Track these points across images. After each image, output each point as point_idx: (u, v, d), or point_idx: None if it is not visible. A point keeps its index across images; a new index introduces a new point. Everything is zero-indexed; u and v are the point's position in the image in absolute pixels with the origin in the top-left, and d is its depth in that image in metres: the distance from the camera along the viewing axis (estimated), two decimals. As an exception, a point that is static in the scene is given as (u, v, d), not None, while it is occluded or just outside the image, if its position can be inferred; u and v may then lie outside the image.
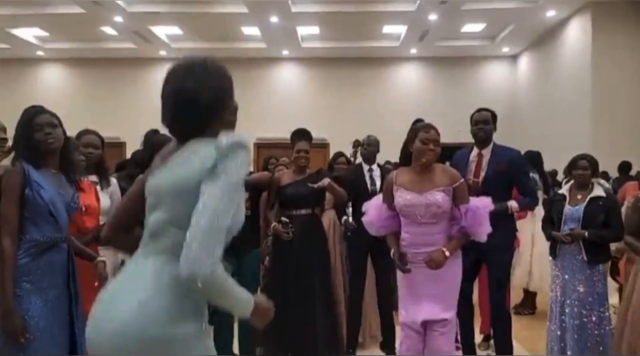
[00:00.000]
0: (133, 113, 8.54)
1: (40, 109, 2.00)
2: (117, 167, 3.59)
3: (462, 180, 2.36)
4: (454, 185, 2.30)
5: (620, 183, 4.67)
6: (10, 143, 2.24)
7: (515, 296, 4.68)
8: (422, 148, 2.26)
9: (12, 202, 1.82)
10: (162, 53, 9.13)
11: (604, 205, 3.08)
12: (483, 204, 2.33)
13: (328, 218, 3.54)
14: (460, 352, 2.87)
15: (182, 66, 1.23)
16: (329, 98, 9.34)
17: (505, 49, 9.02)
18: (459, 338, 3.12)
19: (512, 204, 2.78)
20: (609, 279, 3.25)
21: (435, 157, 2.31)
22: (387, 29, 8.09)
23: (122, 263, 2.37)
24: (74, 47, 9.02)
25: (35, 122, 1.93)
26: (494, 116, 2.96)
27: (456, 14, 7.18)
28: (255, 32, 8.21)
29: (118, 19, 7.52)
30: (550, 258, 3.33)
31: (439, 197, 2.24)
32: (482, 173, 2.85)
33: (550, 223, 3.28)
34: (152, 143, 2.58)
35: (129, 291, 1.15)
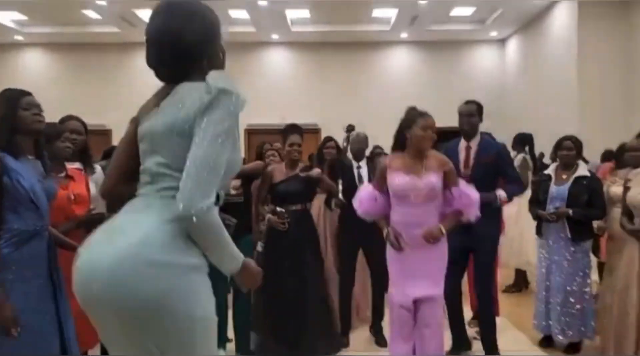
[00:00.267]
0: (118, 100, 8.40)
1: (26, 91, 1.97)
2: (105, 154, 3.56)
3: (451, 164, 2.48)
4: (445, 169, 2.42)
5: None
6: None
7: (507, 277, 4.81)
8: (423, 135, 2.38)
9: None
10: (148, 37, 8.99)
11: (588, 184, 3.17)
12: (473, 192, 2.46)
13: (319, 202, 3.57)
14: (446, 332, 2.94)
15: (167, 5, 1.20)
16: (319, 83, 9.29)
17: (494, 33, 9.04)
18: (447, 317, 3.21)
19: (501, 194, 2.86)
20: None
21: (432, 143, 2.45)
22: (377, 12, 8.04)
23: None
24: (54, 32, 8.79)
25: (24, 101, 1.88)
26: (479, 108, 3.04)
27: (445, -3, 7.18)
28: (243, 16, 8.10)
29: (101, 2, 7.34)
30: (537, 236, 3.43)
31: (433, 179, 2.37)
32: (471, 164, 2.95)
33: (537, 203, 3.37)
34: None
35: (131, 227, 1.12)
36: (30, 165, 1.91)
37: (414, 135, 2.40)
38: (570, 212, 3.12)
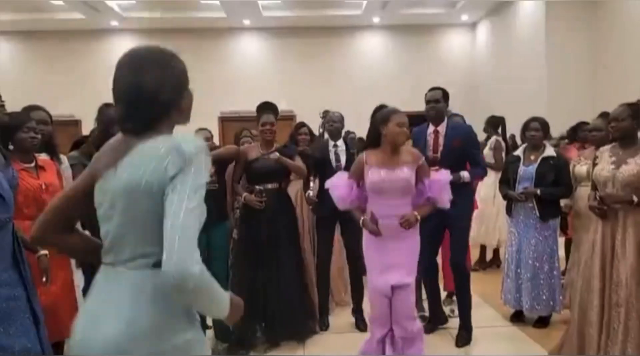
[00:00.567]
0: (86, 89, 8.15)
1: None
2: (74, 144, 3.47)
3: (423, 158, 2.60)
4: (418, 163, 2.54)
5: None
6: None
7: (474, 256, 4.95)
8: (398, 131, 2.47)
9: None
10: (114, 23, 8.68)
11: (555, 164, 3.27)
12: (442, 176, 2.59)
13: (296, 188, 3.58)
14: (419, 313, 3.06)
15: (138, 59, 1.15)
16: (292, 69, 9.22)
17: (465, 17, 9.13)
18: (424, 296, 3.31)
19: (464, 174, 3.02)
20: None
21: (407, 139, 2.55)
22: (349, -4, 8.03)
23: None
24: (18, 19, 8.44)
25: None
26: (445, 94, 3.13)
27: (416, -19, 7.19)
28: (213, 2, 7.95)
29: (65, -13, 7.09)
30: (507, 215, 3.54)
31: (407, 174, 2.48)
32: (440, 148, 3.06)
33: (507, 184, 3.46)
34: (106, 118, 2.52)
35: (111, 309, 1.09)
36: None
37: (390, 131, 2.48)
38: (538, 191, 3.23)
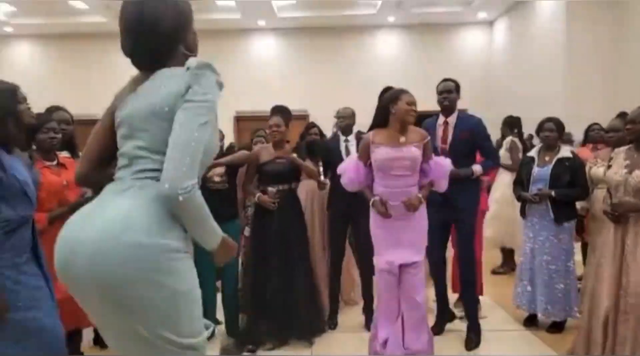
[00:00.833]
0: (107, 89, 8.29)
1: (16, 84, 1.97)
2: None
3: (429, 137, 2.61)
4: (423, 142, 2.56)
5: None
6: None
7: (494, 258, 4.90)
8: (408, 110, 2.50)
9: None
10: (134, 26, 8.89)
11: (570, 165, 3.21)
12: (444, 161, 2.63)
13: (305, 190, 3.60)
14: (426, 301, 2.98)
15: None
16: (307, 69, 9.25)
17: (482, 15, 9.01)
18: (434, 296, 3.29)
19: (476, 168, 3.00)
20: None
21: (415, 118, 2.57)
22: (364, -4, 8.01)
23: None
24: (43, 23, 8.69)
25: (20, 95, 1.92)
26: (457, 86, 3.14)
27: (432, -20, 7.13)
28: (229, 3, 8.03)
29: (86, -9, 7.26)
30: (521, 217, 3.48)
31: (414, 150, 2.50)
32: (449, 140, 3.05)
33: (520, 185, 3.41)
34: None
35: (110, 206, 1.14)
36: (20, 158, 1.96)
37: (399, 109, 2.50)
38: (553, 193, 3.17)
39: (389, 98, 2.55)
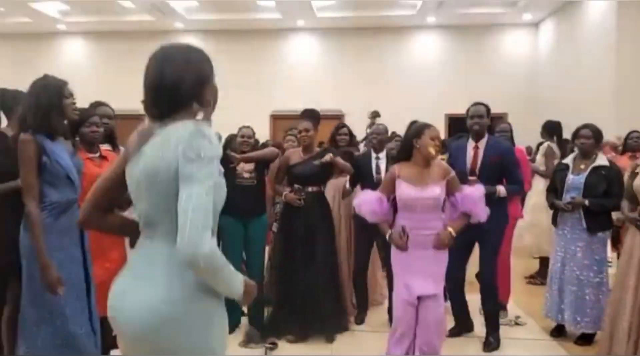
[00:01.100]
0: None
1: (64, 80, 2.15)
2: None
3: (453, 172, 2.59)
4: (447, 178, 2.54)
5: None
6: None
7: (530, 266, 4.78)
8: (431, 144, 2.50)
9: (30, 171, 1.99)
10: (179, 25, 9.18)
11: (607, 174, 3.10)
12: (476, 190, 2.59)
13: (333, 190, 3.66)
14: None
15: (163, 53, 1.27)
16: (344, 69, 9.28)
17: (527, 17, 8.74)
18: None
19: (500, 189, 3.01)
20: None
21: (438, 152, 2.59)
22: (404, -4, 7.95)
23: None
24: (93, 21, 9.17)
25: (66, 90, 2.09)
26: (487, 109, 3.14)
27: (475, -20, 6.98)
28: (269, 3, 8.18)
29: (135, -9, 7.60)
30: (553, 226, 3.40)
31: (437, 191, 2.50)
32: (479, 164, 3.06)
33: (554, 192, 3.33)
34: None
35: (147, 278, 1.22)
36: (63, 145, 2.15)
37: (423, 144, 2.51)
38: (587, 202, 3.08)
39: (413, 133, 2.58)
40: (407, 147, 2.60)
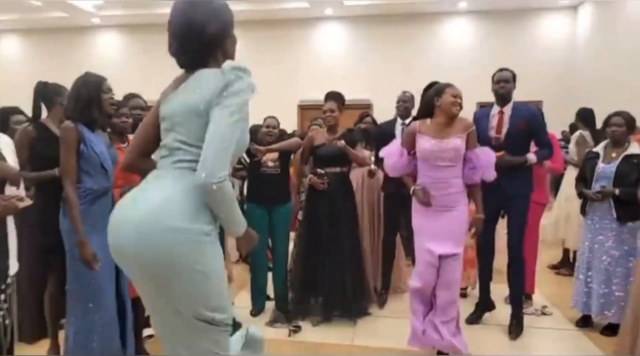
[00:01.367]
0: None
1: (104, 76, 2.30)
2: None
3: (474, 127, 2.62)
4: (467, 132, 2.57)
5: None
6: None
7: (555, 256, 4.70)
8: (453, 102, 2.54)
9: (71, 155, 2.15)
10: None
11: (639, 163, 3.01)
12: (488, 150, 2.63)
13: (356, 178, 3.70)
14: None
15: (188, 2, 1.37)
16: (372, 58, 9.22)
17: (565, 0, 8.43)
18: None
19: (530, 156, 2.99)
20: None
21: (460, 110, 2.60)
22: (433, -19, 7.82)
23: None
24: (126, 14, 9.44)
25: (105, 85, 2.25)
26: (514, 76, 3.09)
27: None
28: (298, -8, 8.21)
29: (166, -16, 7.76)
30: (581, 215, 3.33)
31: (457, 142, 2.53)
32: (504, 130, 3.00)
33: (583, 181, 3.26)
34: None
35: (152, 191, 1.31)
36: (101, 136, 2.31)
37: (444, 101, 2.55)
38: (617, 191, 3.00)
39: (435, 91, 2.61)
40: (428, 105, 2.63)
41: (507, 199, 2.95)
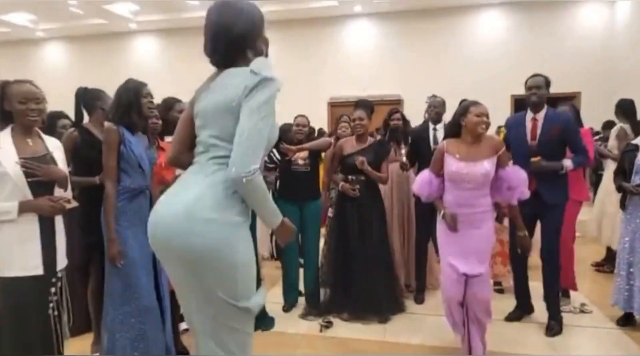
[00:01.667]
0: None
1: (144, 82, 2.42)
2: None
3: (504, 147, 2.56)
4: (498, 154, 2.51)
5: None
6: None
7: (599, 253, 4.55)
8: (478, 121, 2.49)
9: (112, 155, 2.28)
10: (240, 18, 9.50)
11: (682, 155, 2.89)
12: (519, 169, 2.57)
13: (388, 170, 3.71)
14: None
15: (221, 4, 1.45)
16: (401, 54, 9.15)
17: (603, -11, 8.13)
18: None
19: (566, 163, 2.94)
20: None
21: (487, 129, 2.56)
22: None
23: None
24: (162, 19, 9.74)
25: (144, 91, 2.37)
26: (547, 81, 3.03)
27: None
28: (327, -10, 8.25)
29: (199, -11, 7.96)
30: (621, 210, 3.22)
31: (487, 166, 2.47)
32: (538, 136, 2.98)
33: (622, 175, 3.15)
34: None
35: (187, 188, 1.38)
36: (140, 138, 2.44)
37: (469, 121, 2.51)
38: (658, 184, 2.89)
39: (459, 112, 2.59)
40: (456, 125, 2.61)
41: (543, 207, 2.93)
